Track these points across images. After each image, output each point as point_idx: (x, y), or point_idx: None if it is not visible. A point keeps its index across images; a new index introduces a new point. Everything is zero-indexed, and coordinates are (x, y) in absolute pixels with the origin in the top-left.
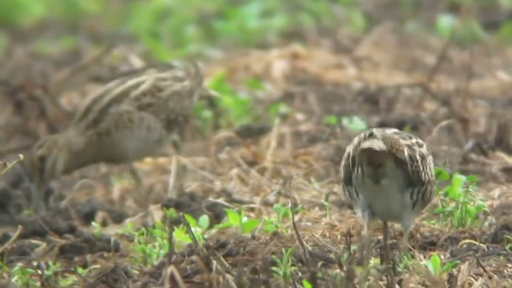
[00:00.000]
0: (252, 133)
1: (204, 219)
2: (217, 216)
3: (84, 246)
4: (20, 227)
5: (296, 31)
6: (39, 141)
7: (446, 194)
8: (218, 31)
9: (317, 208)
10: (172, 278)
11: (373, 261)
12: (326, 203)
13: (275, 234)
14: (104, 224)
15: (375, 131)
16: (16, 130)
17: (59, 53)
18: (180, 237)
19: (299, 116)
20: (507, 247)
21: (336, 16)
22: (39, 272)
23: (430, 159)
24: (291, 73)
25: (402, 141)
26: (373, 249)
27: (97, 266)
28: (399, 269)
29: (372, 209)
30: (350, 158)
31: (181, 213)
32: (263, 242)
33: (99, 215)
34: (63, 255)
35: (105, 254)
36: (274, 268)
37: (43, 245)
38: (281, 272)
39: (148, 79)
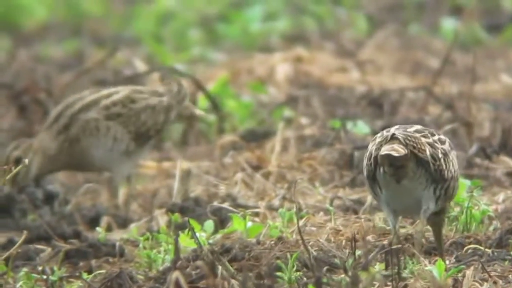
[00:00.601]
0: (257, 137)
1: (209, 224)
2: (222, 221)
3: (89, 251)
4: (25, 232)
5: (299, 34)
6: (14, 143)
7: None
8: (221, 34)
9: (321, 213)
10: (177, 283)
11: (378, 266)
12: (330, 208)
13: (280, 239)
14: (109, 229)
15: (397, 132)
16: (20, 133)
17: (63, 56)
18: (185, 242)
19: (303, 120)
20: None
21: (339, 19)
22: (44, 277)
23: (453, 154)
24: (294, 76)
25: (423, 139)
26: (378, 254)
27: (102, 271)
28: (404, 274)
29: (394, 206)
30: (372, 158)
31: (186, 218)
32: (268, 247)
33: (104, 220)
34: (68, 260)
35: (110, 259)
36: (279, 273)
37: (48, 250)
38: (286, 277)
39: (123, 90)
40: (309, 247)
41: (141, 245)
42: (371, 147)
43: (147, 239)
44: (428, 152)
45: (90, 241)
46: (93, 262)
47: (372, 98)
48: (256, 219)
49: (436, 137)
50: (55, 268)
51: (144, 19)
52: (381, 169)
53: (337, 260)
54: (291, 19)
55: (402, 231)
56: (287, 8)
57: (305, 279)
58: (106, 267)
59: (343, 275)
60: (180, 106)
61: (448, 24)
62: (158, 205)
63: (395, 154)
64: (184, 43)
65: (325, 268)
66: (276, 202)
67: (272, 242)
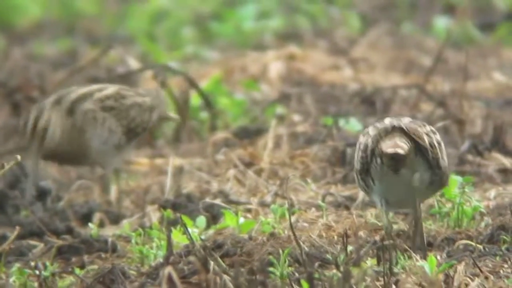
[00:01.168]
0: (249, 134)
1: (201, 220)
2: (214, 217)
3: (82, 247)
4: (17, 228)
5: (292, 33)
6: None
7: (442, 195)
8: (214, 32)
9: (313, 209)
10: (169, 278)
11: (370, 262)
12: (322, 204)
13: (272, 234)
14: (101, 225)
15: (394, 122)
16: (13, 131)
17: (56, 54)
18: (177, 238)
19: (296, 117)
20: (503, 248)
21: (332, 17)
22: (37, 272)
23: (443, 146)
24: (287, 74)
25: (419, 129)
26: (369, 249)
27: (95, 266)
28: (395, 270)
29: (387, 197)
30: (369, 150)
31: (178, 214)
32: (260, 243)
33: (97, 216)
34: (61, 255)
35: (103, 255)
36: (271, 269)
37: (41, 245)
38: (278, 273)
39: (111, 86)
40: (301, 243)
41: (133, 241)
42: (365, 139)
43: (140, 235)
44: (426, 141)
45: (82, 237)
46: (86, 258)
47: (365, 96)
48: (248, 215)
49: (428, 128)
50: (48, 263)
51: (138, 17)
52: (378, 160)
53: (329, 256)
54: (284, 18)
55: (394, 227)
56: (280, 7)
57: (297, 274)
58: (99, 263)
59: (334, 271)
60: (159, 109)
61: (441, 22)
62: (150, 201)
63: (401, 152)
64: (177, 41)
65: (317, 264)
66: (268, 199)
67: (264, 238)
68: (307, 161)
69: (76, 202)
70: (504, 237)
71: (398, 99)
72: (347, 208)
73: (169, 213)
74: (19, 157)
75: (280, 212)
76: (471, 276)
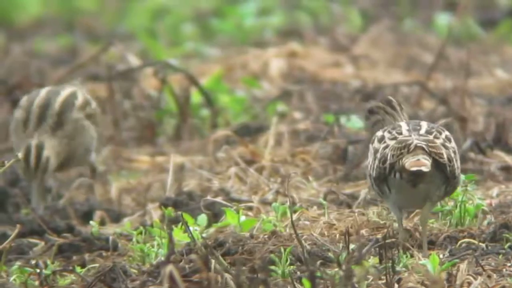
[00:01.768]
0: (250, 131)
1: (203, 218)
2: (215, 215)
3: (83, 245)
4: (18, 226)
5: (293, 29)
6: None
7: None
8: (215, 29)
9: (315, 207)
10: (170, 277)
11: (372, 260)
12: (324, 202)
13: (273, 233)
14: (102, 223)
15: (415, 139)
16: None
17: (56, 51)
18: (179, 236)
19: (297, 115)
20: (506, 246)
21: (333, 14)
22: (38, 271)
23: (457, 152)
24: (288, 71)
25: (437, 141)
26: (371, 248)
27: (96, 265)
28: (398, 268)
29: (401, 205)
30: (388, 164)
31: (179, 212)
32: (261, 241)
33: (97, 214)
34: (62, 254)
35: (104, 253)
36: (272, 267)
37: (42, 244)
38: (279, 271)
39: (79, 90)
40: (302, 241)
41: (134, 239)
42: (385, 150)
43: (141, 233)
44: (445, 156)
45: (83, 235)
46: (87, 256)
47: (366, 93)
48: (250, 213)
49: (443, 135)
50: (49, 262)
51: (138, 14)
52: (397, 175)
53: (330, 254)
54: (285, 14)
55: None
56: (281, 3)
57: (298, 273)
58: (100, 261)
59: (336, 269)
60: None
61: (442, 19)
62: (151, 199)
63: (425, 169)
64: (178, 38)
65: (318, 262)
66: (269, 196)
67: (266, 236)
68: (309, 158)
69: (76, 200)
70: (507, 235)
71: (400, 96)
72: (349, 206)
73: (170, 211)
74: (19, 155)
75: (281, 210)
76: (474, 275)
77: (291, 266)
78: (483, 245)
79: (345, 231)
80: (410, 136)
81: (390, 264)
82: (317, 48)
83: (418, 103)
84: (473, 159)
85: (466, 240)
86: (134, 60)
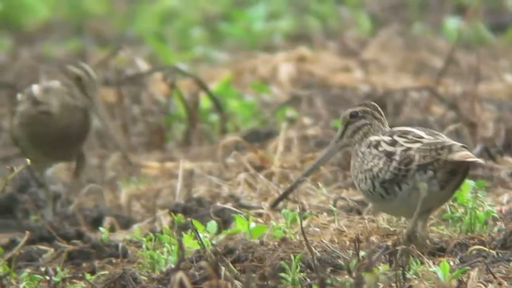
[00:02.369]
0: (259, 137)
1: (212, 224)
2: (225, 221)
3: (92, 252)
4: (27, 232)
5: (302, 34)
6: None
7: (455, 200)
8: (224, 33)
9: (325, 214)
10: (181, 284)
11: (382, 267)
12: (334, 209)
13: (283, 240)
14: (111, 229)
15: (446, 139)
16: None
17: (65, 55)
18: (188, 242)
19: (306, 120)
20: None
21: (342, 18)
22: (47, 278)
23: None
24: (297, 76)
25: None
26: (382, 255)
27: (105, 272)
28: (408, 276)
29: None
30: (416, 164)
31: (189, 219)
32: (271, 248)
33: (107, 221)
34: (71, 261)
35: (113, 260)
36: (282, 274)
37: (51, 251)
38: (289, 278)
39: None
40: (312, 248)
41: (144, 246)
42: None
43: (150, 239)
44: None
45: (93, 241)
46: (96, 263)
47: (376, 98)
48: (259, 219)
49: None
50: (58, 269)
51: (147, 18)
52: (428, 174)
53: (341, 261)
54: (294, 19)
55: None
56: (290, 8)
57: (308, 280)
58: (109, 268)
59: (347, 276)
60: None
61: (452, 23)
62: (161, 206)
63: (480, 161)
64: (186, 42)
65: (329, 269)
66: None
67: (276, 243)
68: None
69: (86, 207)
70: None
71: (409, 101)
72: (359, 212)
73: (179, 217)
74: (28, 161)
75: (291, 216)
76: (485, 282)
77: (301, 273)
78: (494, 252)
79: (355, 237)
80: (442, 138)
81: (400, 271)
82: (326, 53)
83: (427, 108)
84: (483, 165)
85: (477, 247)
86: (143, 65)
